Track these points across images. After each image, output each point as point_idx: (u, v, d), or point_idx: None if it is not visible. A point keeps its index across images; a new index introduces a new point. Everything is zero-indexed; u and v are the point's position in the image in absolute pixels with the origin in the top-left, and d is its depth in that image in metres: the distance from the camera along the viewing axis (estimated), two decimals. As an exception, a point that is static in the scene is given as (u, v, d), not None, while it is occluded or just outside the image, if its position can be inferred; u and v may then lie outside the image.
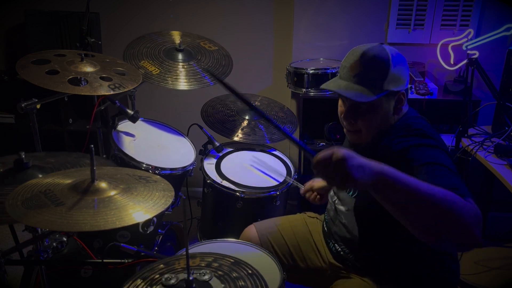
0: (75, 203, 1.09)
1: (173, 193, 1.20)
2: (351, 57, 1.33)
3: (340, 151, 0.97)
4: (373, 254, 1.43)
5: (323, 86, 1.37)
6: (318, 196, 1.73)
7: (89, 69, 1.71)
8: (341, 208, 1.50)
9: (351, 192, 1.44)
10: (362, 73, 1.30)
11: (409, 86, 1.40)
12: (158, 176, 1.30)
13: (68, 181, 1.19)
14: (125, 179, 1.23)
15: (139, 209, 1.10)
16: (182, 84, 2.03)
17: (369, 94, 1.28)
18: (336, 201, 1.54)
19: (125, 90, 1.67)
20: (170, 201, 1.16)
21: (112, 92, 1.63)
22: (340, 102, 1.42)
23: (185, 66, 2.09)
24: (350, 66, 1.32)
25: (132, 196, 1.15)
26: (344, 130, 1.45)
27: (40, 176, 1.34)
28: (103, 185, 1.15)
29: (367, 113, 1.33)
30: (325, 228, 1.63)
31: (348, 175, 0.97)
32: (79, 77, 1.62)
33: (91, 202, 1.10)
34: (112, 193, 1.14)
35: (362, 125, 1.36)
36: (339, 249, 1.53)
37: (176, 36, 2.26)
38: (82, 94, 1.58)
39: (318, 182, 1.75)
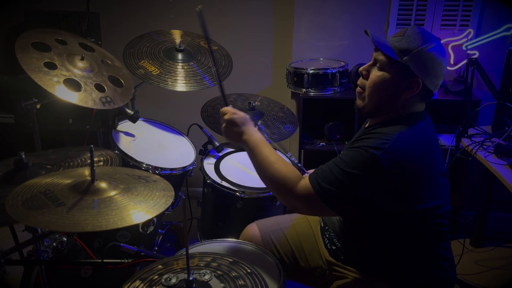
0: (76, 203, 1.08)
1: (173, 193, 1.20)
2: None
3: (234, 115, 1.46)
4: (362, 248, 1.45)
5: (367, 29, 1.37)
6: None
7: (85, 72, 1.67)
8: None
9: None
10: (399, 37, 1.32)
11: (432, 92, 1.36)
12: (157, 176, 1.30)
13: (68, 181, 1.19)
14: (125, 179, 1.23)
15: (140, 209, 1.10)
16: (182, 85, 2.03)
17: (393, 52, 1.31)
18: None
19: (115, 107, 1.64)
20: (170, 200, 1.16)
21: (102, 107, 1.61)
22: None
23: (185, 67, 2.09)
24: (398, 31, 1.37)
25: (133, 196, 1.15)
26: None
27: (43, 173, 1.34)
28: (103, 185, 1.15)
29: (381, 71, 1.33)
30: (322, 224, 1.64)
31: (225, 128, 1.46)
32: (74, 79, 1.60)
33: (91, 203, 1.09)
34: (112, 193, 1.14)
35: (370, 82, 1.35)
36: (334, 245, 1.53)
37: (177, 35, 2.26)
38: (74, 103, 1.53)
39: None
